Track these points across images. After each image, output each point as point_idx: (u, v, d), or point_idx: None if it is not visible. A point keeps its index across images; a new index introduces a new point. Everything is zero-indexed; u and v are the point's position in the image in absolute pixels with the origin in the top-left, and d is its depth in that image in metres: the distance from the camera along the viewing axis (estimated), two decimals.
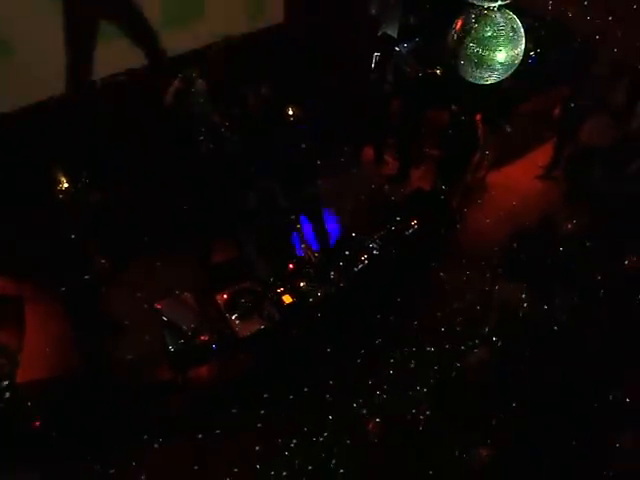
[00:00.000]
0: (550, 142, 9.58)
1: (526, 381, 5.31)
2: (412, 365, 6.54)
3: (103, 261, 6.54)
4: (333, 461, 5.59)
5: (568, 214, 7.96)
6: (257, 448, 5.98)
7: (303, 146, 7.57)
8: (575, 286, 6.13)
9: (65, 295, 6.76)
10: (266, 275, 6.86)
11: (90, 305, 6.74)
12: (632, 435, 5.02)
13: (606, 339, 5.62)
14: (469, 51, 4.69)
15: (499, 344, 5.53)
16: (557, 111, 9.03)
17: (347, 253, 7.17)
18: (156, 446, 6.09)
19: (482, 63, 4.70)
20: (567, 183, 9.21)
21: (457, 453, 5.09)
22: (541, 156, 9.71)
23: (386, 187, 9.21)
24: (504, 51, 4.65)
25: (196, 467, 5.93)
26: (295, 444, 5.89)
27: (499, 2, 4.60)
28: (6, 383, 5.69)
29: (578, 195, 8.78)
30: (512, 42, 4.67)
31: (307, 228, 7.89)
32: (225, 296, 6.64)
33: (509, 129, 8.55)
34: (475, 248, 8.09)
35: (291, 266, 6.94)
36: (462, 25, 4.81)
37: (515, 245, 6.91)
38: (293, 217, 7.66)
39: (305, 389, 6.42)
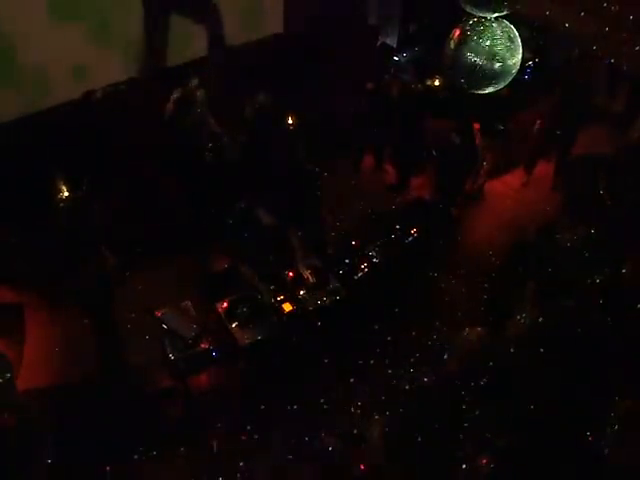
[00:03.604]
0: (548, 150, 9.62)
1: (525, 388, 5.31)
2: (411, 372, 6.54)
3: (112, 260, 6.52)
4: (333, 468, 5.58)
5: (568, 223, 7.98)
6: (257, 456, 5.98)
7: (302, 155, 7.60)
8: (574, 294, 6.13)
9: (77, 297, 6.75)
10: (266, 289, 6.83)
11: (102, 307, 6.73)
12: None
13: (606, 347, 5.62)
14: (467, 60, 4.73)
15: (498, 350, 5.53)
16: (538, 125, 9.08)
17: (347, 261, 7.18)
18: (155, 453, 6.09)
19: (479, 72, 4.74)
20: (567, 192, 9.24)
21: (457, 462, 5.09)
22: (539, 164, 9.75)
23: (386, 196, 9.24)
24: (501, 61, 4.69)
25: (196, 474, 5.92)
26: (295, 451, 5.88)
27: (496, 13, 4.65)
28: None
29: (578, 204, 8.80)
30: (509, 52, 4.71)
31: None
32: (225, 304, 6.64)
33: (501, 127, 8.61)
34: (474, 257, 8.11)
35: (291, 274, 6.95)
36: (460, 34, 4.86)
37: (514, 254, 6.92)
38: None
39: (304, 397, 6.42)
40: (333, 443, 5.50)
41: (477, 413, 5.13)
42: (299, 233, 7.46)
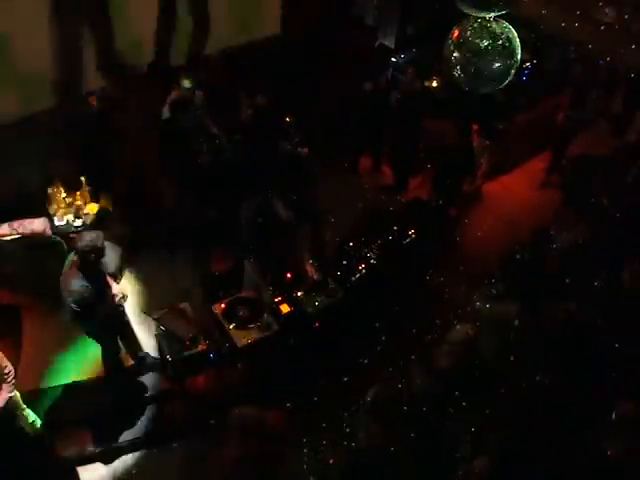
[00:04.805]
0: (546, 150, 9.63)
1: (521, 389, 5.31)
2: (411, 372, 6.53)
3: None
4: (330, 468, 5.57)
5: (565, 223, 7.99)
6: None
7: (300, 155, 7.58)
8: (571, 296, 6.13)
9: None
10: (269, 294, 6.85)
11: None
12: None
13: (606, 347, 5.61)
14: (465, 61, 4.73)
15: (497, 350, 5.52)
16: (559, 118, 9.08)
17: (345, 262, 7.18)
18: (155, 453, 6.10)
19: (478, 73, 4.74)
20: (565, 192, 9.24)
21: (454, 463, 5.08)
22: (537, 165, 9.77)
23: (383, 197, 9.24)
24: (500, 61, 4.69)
25: (195, 473, 5.92)
26: (292, 453, 5.86)
27: (494, 13, 4.65)
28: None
29: (576, 204, 8.80)
30: (508, 52, 4.71)
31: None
32: (223, 305, 6.63)
33: (501, 126, 8.65)
34: (472, 257, 8.10)
35: (289, 275, 6.94)
36: (459, 35, 4.86)
37: (512, 255, 6.91)
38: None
39: (302, 398, 6.40)
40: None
41: (475, 413, 5.13)
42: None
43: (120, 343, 6.50)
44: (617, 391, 5.28)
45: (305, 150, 7.63)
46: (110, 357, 6.44)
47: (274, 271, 6.95)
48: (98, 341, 6.29)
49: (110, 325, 6.21)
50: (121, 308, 6.36)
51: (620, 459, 4.86)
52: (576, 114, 8.85)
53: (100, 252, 5.61)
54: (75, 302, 5.82)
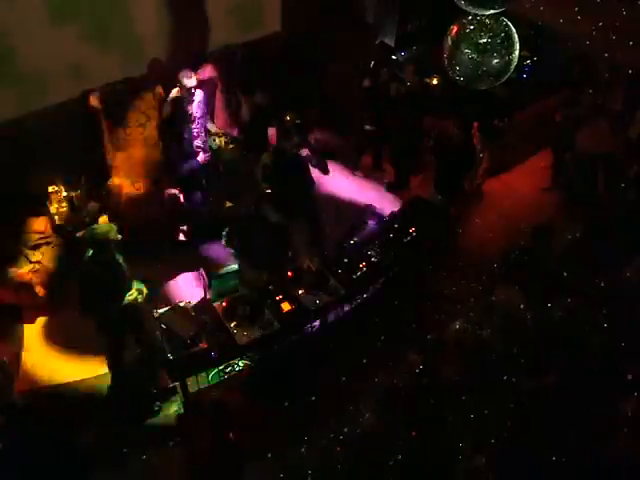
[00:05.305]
0: (547, 149, 9.62)
1: (521, 388, 5.30)
2: (411, 370, 6.52)
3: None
4: (331, 467, 5.57)
5: (567, 221, 7.98)
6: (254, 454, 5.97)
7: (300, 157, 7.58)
8: (572, 294, 6.12)
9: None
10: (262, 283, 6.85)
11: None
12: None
13: (609, 346, 5.61)
14: (464, 57, 4.74)
15: (498, 348, 5.52)
16: (557, 117, 9.06)
17: (345, 261, 7.18)
18: (154, 453, 6.10)
19: (477, 68, 4.74)
20: (566, 190, 9.22)
21: (452, 461, 5.08)
22: (538, 163, 9.75)
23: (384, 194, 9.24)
24: (498, 57, 4.70)
25: (194, 474, 5.92)
26: (292, 451, 5.87)
27: (491, 11, 4.66)
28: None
29: (577, 202, 8.79)
30: (506, 48, 4.72)
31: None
32: (224, 304, 6.63)
33: (501, 124, 8.64)
34: (473, 255, 8.09)
35: (290, 274, 6.95)
36: (458, 31, 4.87)
37: (512, 252, 6.91)
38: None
39: (303, 396, 6.41)
40: None
41: (475, 410, 5.13)
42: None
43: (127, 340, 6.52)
44: (619, 389, 5.28)
45: (306, 152, 7.62)
46: (114, 354, 6.45)
47: (271, 270, 6.94)
48: (105, 337, 6.30)
49: (124, 322, 6.24)
50: (138, 304, 6.39)
51: (622, 458, 4.86)
52: (572, 111, 8.83)
53: None
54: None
